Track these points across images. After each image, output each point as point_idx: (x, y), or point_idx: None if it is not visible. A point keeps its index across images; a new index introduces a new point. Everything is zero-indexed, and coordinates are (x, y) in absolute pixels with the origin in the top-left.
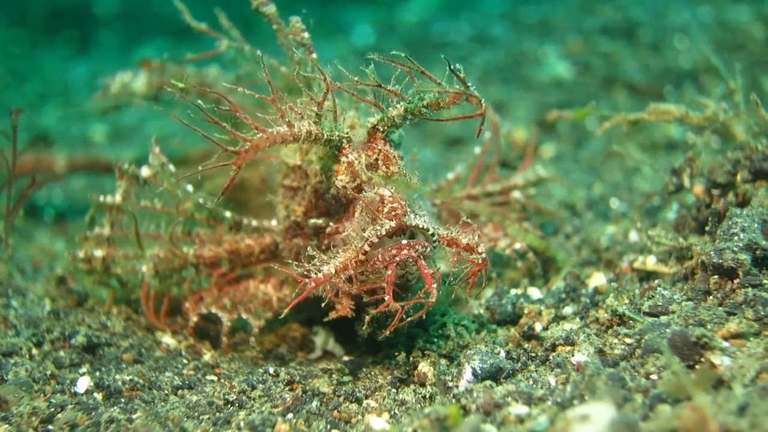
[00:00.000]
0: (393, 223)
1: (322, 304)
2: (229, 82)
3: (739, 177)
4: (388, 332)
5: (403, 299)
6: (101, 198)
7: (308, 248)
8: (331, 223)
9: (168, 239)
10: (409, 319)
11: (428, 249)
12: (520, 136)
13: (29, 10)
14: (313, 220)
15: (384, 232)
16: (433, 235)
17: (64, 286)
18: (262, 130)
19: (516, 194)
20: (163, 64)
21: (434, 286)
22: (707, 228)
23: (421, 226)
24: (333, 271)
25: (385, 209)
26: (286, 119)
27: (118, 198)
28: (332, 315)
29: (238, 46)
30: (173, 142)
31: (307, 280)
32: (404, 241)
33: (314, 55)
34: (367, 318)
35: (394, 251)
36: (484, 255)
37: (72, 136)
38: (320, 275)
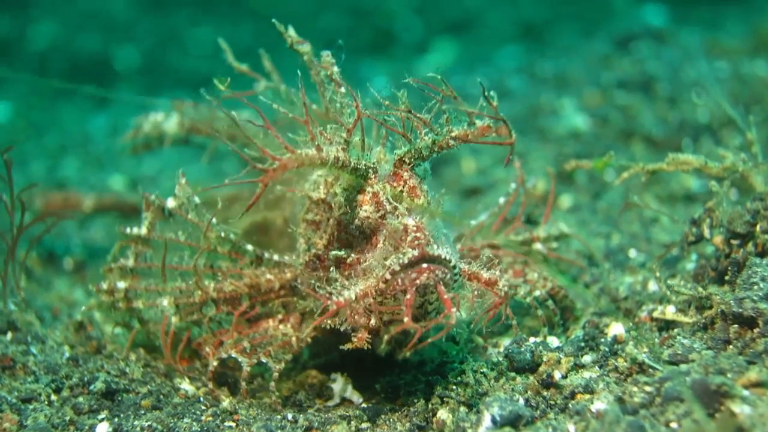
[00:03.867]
0: (416, 252)
1: (342, 328)
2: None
3: (758, 227)
4: (407, 352)
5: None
6: (128, 230)
7: (331, 272)
8: (352, 254)
9: (192, 269)
10: (429, 339)
11: (448, 275)
12: (539, 186)
13: (50, 65)
14: (334, 252)
15: (406, 261)
16: (454, 267)
17: (83, 332)
18: (292, 151)
19: (537, 246)
20: (196, 105)
21: (453, 310)
22: (727, 278)
23: (443, 257)
24: (353, 297)
25: (408, 238)
26: (316, 143)
27: (144, 230)
28: (347, 346)
29: (275, 87)
30: (198, 188)
31: (328, 302)
32: (425, 265)
33: (343, 89)
34: (386, 336)
35: (414, 275)
36: (505, 290)
37: (91, 185)
38: (341, 299)
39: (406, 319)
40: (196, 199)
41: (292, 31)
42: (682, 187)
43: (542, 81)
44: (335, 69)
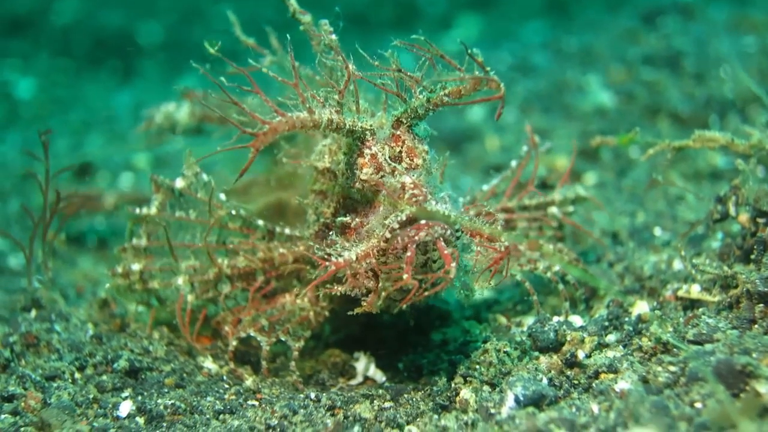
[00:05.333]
0: (414, 209)
1: (343, 290)
2: (270, 110)
3: None
4: (404, 305)
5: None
6: (137, 210)
7: (331, 235)
8: (356, 219)
9: (203, 246)
10: (426, 293)
11: (448, 232)
12: (562, 163)
13: (74, 41)
14: (339, 218)
15: (405, 218)
16: (455, 222)
17: (107, 310)
18: (282, 114)
19: (553, 210)
20: (206, 94)
21: (453, 265)
22: (752, 256)
23: (442, 212)
24: (354, 258)
25: (406, 195)
26: (307, 105)
27: (153, 210)
28: (357, 310)
29: (279, 61)
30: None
31: (326, 263)
32: (423, 222)
33: (340, 57)
34: (384, 293)
35: (412, 232)
36: (507, 243)
37: (115, 163)
38: (341, 260)
39: (405, 276)
40: (205, 177)
41: (293, 1)
42: (709, 165)
43: (567, 57)
44: (333, 37)
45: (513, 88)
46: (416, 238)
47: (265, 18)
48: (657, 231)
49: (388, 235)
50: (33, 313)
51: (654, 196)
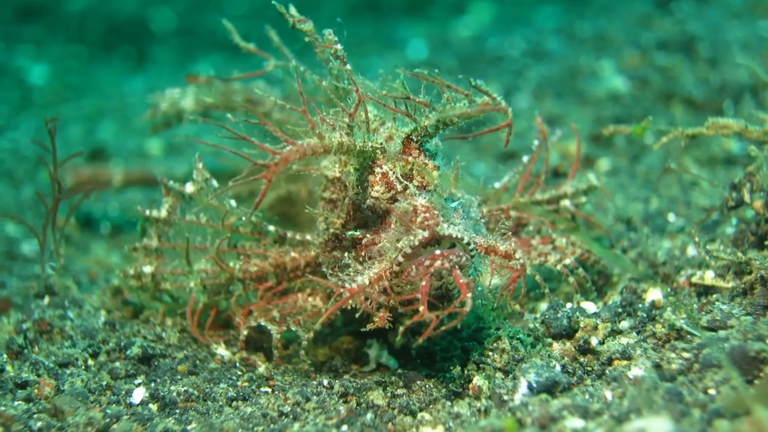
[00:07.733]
0: (426, 233)
1: (356, 315)
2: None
3: None
4: (421, 340)
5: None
6: (147, 212)
7: (345, 257)
8: (368, 235)
9: (214, 253)
10: (443, 327)
11: (464, 258)
12: (575, 148)
13: (87, 27)
14: (350, 232)
15: (417, 243)
16: (468, 244)
17: (119, 297)
18: (292, 143)
19: (566, 203)
20: (210, 80)
21: (469, 295)
22: (767, 242)
23: (455, 236)
24: (367, 282)
25: (418, 219)
26: (317, 131)
27: (163, 213)
28: (369, 326)
29: (284, 65)
30: (227, 157)
31: (341, 290)
32: (438, 251)
33: (348, 66)
34: (401, 329)
35: (427, 262)
36: (522, 261)
37: (128, 149)
38: (354, 285)
39: (421, 308)
40: (215, 183)
41: (293, 10)
42: (723, 150)
43: (581, 42)
44: (338, 47)
45: (526, 73)
46: (431, 269)
47: (281, 5)
48: (671, 217)
49: (401, 259)
50: (46, 299)
51: (668, 181)
